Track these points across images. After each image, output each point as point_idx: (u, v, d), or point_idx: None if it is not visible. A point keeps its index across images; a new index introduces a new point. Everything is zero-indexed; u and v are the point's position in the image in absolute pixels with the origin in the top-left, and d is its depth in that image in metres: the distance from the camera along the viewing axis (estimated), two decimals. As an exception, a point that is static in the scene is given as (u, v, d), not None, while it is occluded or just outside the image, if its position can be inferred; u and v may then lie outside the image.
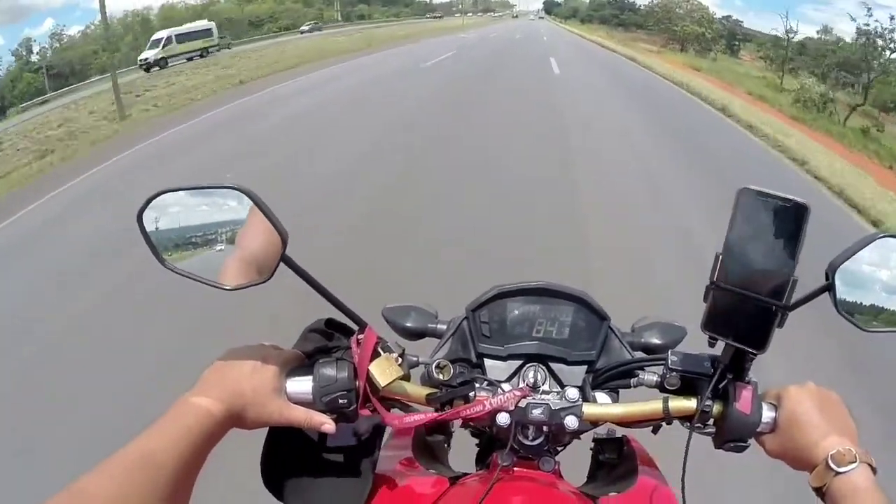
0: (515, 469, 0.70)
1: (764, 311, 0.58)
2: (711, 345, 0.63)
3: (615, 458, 0.83)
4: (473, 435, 0.81)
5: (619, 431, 0.81)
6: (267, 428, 0.66)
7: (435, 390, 0.65)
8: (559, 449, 0.76)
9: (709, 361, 0.65)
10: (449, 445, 0.87)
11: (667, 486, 0.75)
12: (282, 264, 0.60)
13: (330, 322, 0.68)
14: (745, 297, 0.58)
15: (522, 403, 0.65)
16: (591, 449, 0.90)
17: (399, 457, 0.75)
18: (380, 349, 0.64)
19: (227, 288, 0.61)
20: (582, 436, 0.77)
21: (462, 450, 0.86)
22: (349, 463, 0.68)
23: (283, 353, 0.65)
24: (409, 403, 0.67)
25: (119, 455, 0.49)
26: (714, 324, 0.61)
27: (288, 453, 0.67)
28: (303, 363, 0.66)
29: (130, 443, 0.51)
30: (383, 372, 0.62)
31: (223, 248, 0.62)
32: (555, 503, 0.63)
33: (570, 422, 0.65)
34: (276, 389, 0.62)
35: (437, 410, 0.65)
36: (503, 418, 0.64)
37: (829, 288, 0.62)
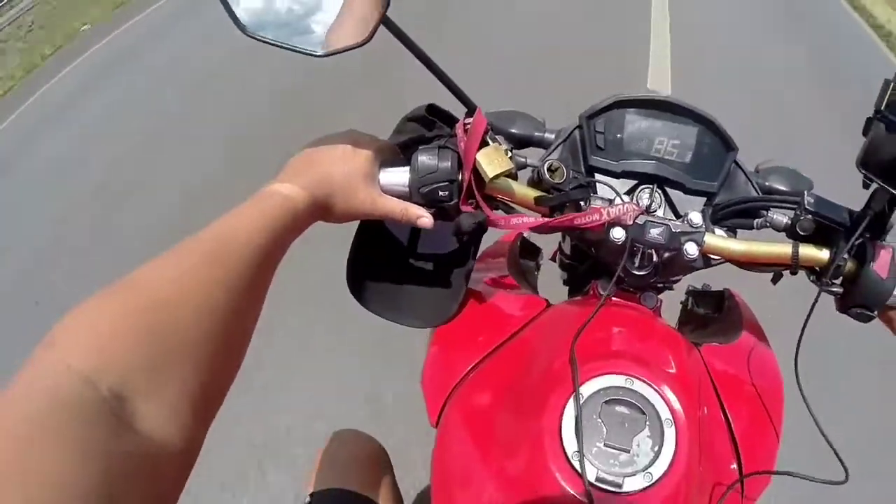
0: (616, 299, 0.64)
1: None
2: (866, 186, 0.53)
3: (712, 313, 0.77)
4: (563, 266, 0.75)
5: (721, 285, 0.74)
6: (357, 226, 0.61)
7: (545, 193, 0.58)
8: (661, 288, 0.69)
9: (847, 213, 0.56)
10: (538, 273, 0.81)
11: (769, 348, 0.69)
12: (382, 27, 0.51)
13: (432, 108, 0.60)
14: None
15: (641, 220, 0.57)
16: (681, 302, 0.84)
17: (493, 273, 0.70)
18: (489, 139, 0.56)
19: (318, 54, 0.53)
20: (675, 287, 0.71)
21: (547, 286, 0.80)
22: (441, 271, 0.63)
23: (378, 142, 0.58)
24: (515, 205, 0.60)
25: (193, 239, 0.42)
26: (872, 162, 0.50)
27: (376, 256, 0.63)
28: (399, 155, 0.59)
29: (207, 227, 0.44)
30: (491, 162, 0.54)
31: (314, 8, 0.54)
32: (661, 339, 0.57)
33: (690, 249, 0.57)
34: (369, 177, 0.55)
35: (545, 216, 0.58)
36: (618, 233, 0.56)
37: None
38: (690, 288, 0.82)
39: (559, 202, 0.57)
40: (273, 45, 0.55)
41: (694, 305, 0.81)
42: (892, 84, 0.48)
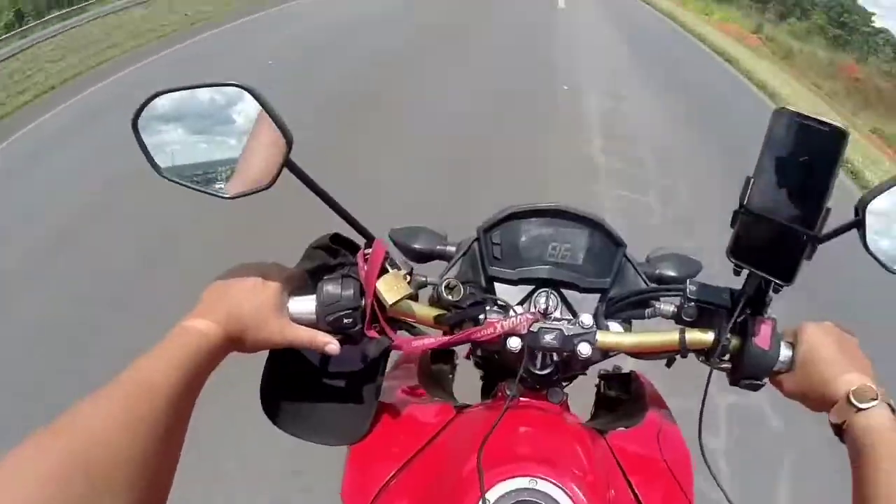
0: (522, 399, 0.68)
1: (793, 239, 0.55)
2: (737, 273, 0.60)
3: (622, 395, 0.82)
4: (478, 366, 0.79)
5: (627, 367, 0.80)
6: (268, 351, 0.64)
7: (444, 311, 0.63)
8: (566, 382, 0.74)
9: (728, 294, 0.62)
10: (453, 376, 0.85)
11: (674, 424, 0.74)
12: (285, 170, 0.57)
13: (335, 238, 0.65)
14: (774, 224, 0.55)
15: (535, 328, 0.62)
16: (595, 385, 0.89)
17: (404, 384, 0.74)
18: (388, 265, 0.61)
19: (227, 196, 0.58)
20: (588, 372, 0.76)
21: (465, 382, 0.84)
22: (352, 389, 0.66)
23: (285, 272, 0.62)
24: (417, 325, 0.64)
25: (116, 381, 0.47)
26: (740, 251, 0.58)
27: (288, 378, 0.65)
28: (306, 282, 0.63)
29: (127, 369, 0.49)
30: (391, 289, 0.59)
31: (224, 153, 0.59)
32: (565, 435, 0.61)
33: (584, 349, 0.62)
34: (278, 309, 0.59)
35: (445, 333, 0.63)
36: (514, 343, 0.61)
37: (860, 224, 0.59)
38: (601, 371, 0.87)
39: (457, 320, 0.62)
40: (186, 187, 0.59)
41: (606, 389, 0.86)
42: (752, 181, 0.56)
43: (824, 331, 0.61)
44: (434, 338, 0.61)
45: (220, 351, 0.55)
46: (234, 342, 0.57)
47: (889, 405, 0.55)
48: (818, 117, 0.53)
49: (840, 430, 0.56)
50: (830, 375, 0.58)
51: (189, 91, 0.59)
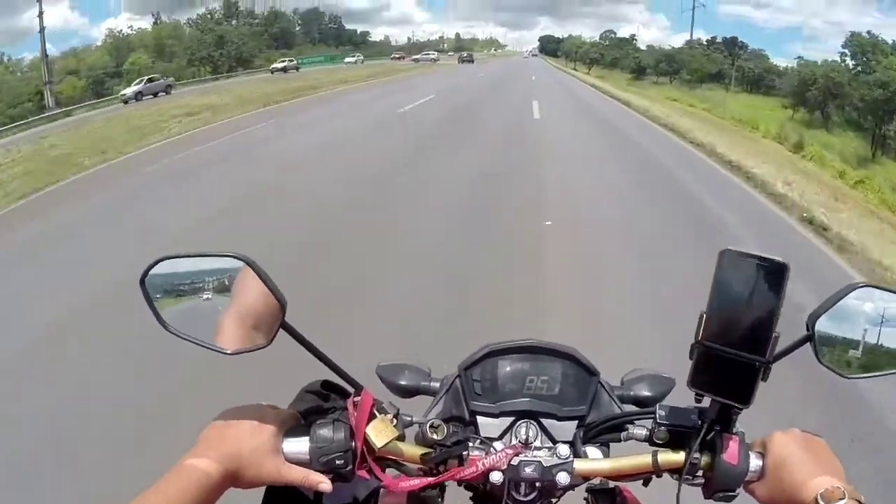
0: None
1: (748, 366, 0.60)
2: (698, 401, 0.65)
3: None
4: (468, 489, 0.81)
5: (612, 482, 0.82)
6: (264, 487, 0.67)
7: (429, 450, 0.67)
8: (552, 502, 0.76)
9: (696, 414, 0.67)
10: (443, 500, 0.87)
11: None
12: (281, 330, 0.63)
13: (326, 383, 0.70)
14: (729, 354, 0.60)
15: (515, 461, 0.66)
16: (584, 499, 0.91)
17: None
18: (375, 411, 0.65)
19: (228, 352, 0.63)
20: (575, 488, 0.78)
21: (456, 502, 0.86)
22: None
23: (281, 414, 0.66)
24: (405, 463, 0.68)
25: None
26: (700, 381, 0.63)
27: None
28: (299, 423, 0.67)
29: (132, 502, 0.53)
30: (379, 433, 0.63)
31: (224, 313, 0.64)
32: None
33: (562, 478, 0.66)
34: (274, 450, 0.63)
35: (431, 470, 0.66)
36: (496, 477, 0.65)
37: (811, 338, 0.64)
38: (589, 486, 0.89)
39: (442, 458, 0.66)
40: (189, 341, 0.65)
41: (593, 502, 0.87)
42: (705, 317, 0.62)
43: (791, 438, 0.65)
44: (420, 479, 0.65)
45: (219, 487, 0.59)
46: (233, 479, 0.61)
47: (858, 501, 0.57)
48: (760, 255, 0.60)
49: None
50: (800, 480, 0.60)
51: (191, 258, 0.66)
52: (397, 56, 54.97)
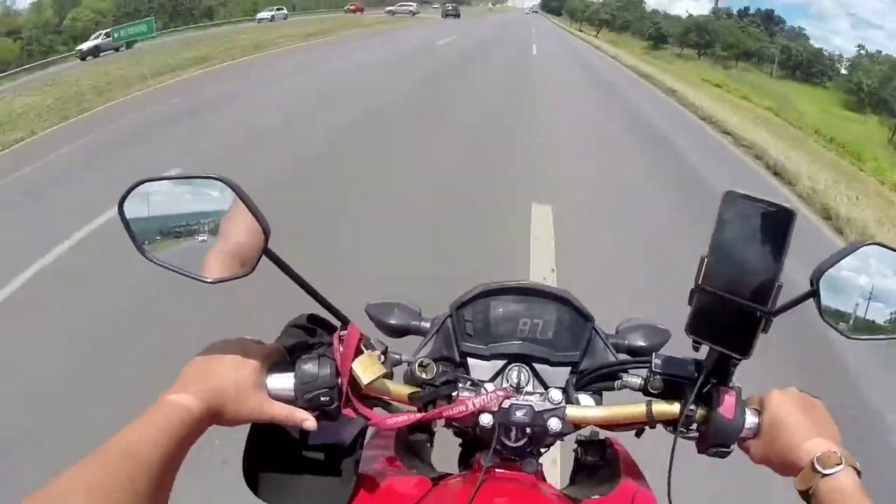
0: (498, 471, 0.69)
1: (748, 316, 0.58)
2: (696, 349, 0.63)
3: (598, 461, 0.83)
4: (456, 434, 0.80)
5: (603, 434, 0.81)
6: (249, 425, 0.65)
7: (417, 389, 0.65)
8: (542, 451, 0.75)
9: (693, 365, 0.65)
10: (432, 445, 0.86)
11: (649, 490, 0.75)
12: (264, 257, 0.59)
13: (312, 317, 0.67)
14: (729, 302, 0.58)
15: (506, 404, 0.64)
16: (573, 451, 0.90)
17: (381, 456, 0.75)
18: (363, 346, 0.63)
19: (209, 281, 0.60)
20: (565, 437, 0.77)
21: (445, 448, 0.85)
22: (331, 462, 0.67)
23: (265, 348, 0.64)
24: (392, 402, 0.66)
25: (99, 452, 0.49)
26: (698, 328, 0.61)
27: (269, 450, 0.67)
28: (284, 359, 0.65)
29: (110, 440, 0.50)
30: (366, 370, 0.61)
31: (205, 239, 0.61)
32: None
33: (554, 424, 0.64)
34: (257, 385, 0.61)
35: (419, 410, 0.64)
36: (486, 419, 0.63)
37: (814, 294, 0.62)
38: (578, 437, 0.88)
39: (430, 398, 0.64)
40: (168, 268, 0.61)
41: (583, 454, 0.87)
42: (706, 261, 0.59)
43: (789, 397, 0.64)
44: (407, 415, 0.63)
45: (200, 424, 0.57)
46: (215, 416, 0.58)
47: (854, 468, 0.56)
48: (766, 199, 0.57)
49: (807, 496, 0.57)
50: (795, 442, 0.60)
51: (172, 180, 0.62)
52: (353, 7, 45.95)
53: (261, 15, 36.03)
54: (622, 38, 39.36)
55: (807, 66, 30.38)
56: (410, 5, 47.32)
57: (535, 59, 18.86)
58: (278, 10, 37.41)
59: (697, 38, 34.51)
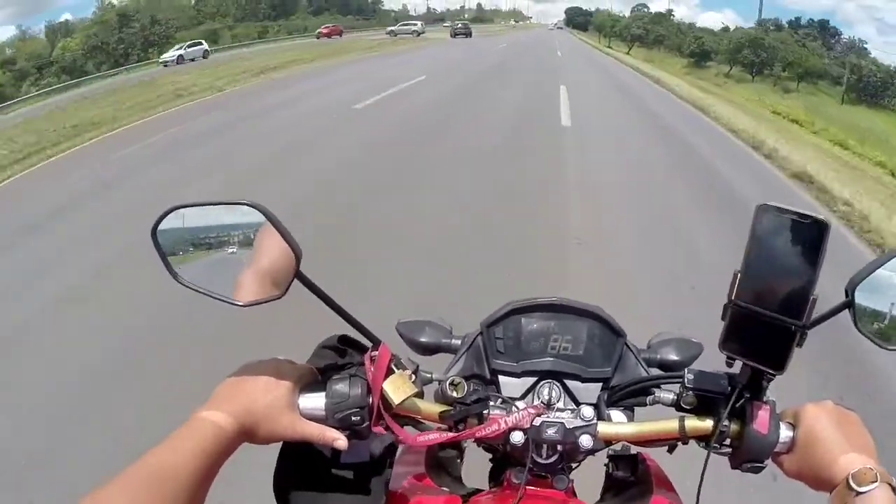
0: (529, 488, 0.69)
1: (783, 330, 0.57)
2: (729, 364, 0.62)
3: (629, 476, 0.82)
4: (487, 450, 0.80)
5: (634, 448, 0.81)
6: (280, 442, 0.66)
7: (448, 408, 0.65)
8: (573, 466, 0.75)
9: (726, 380, 0.64)
10: (462, 461, 0.86)
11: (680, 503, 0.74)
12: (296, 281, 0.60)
13: (343, 338, 0.68)
14: (763, 316, 0.57)
15: (537, 422, 0.64)
16: (605, 465, 0.89)
17: (411, 473, 0.75)
18: (393, 366, 0.63)
19: (241, 304, 0.61)
20: (597, 453, 0.77)
21: (476, 464, 0.85)
22: (361, 480, 0.68)
23: (297, 369, 0.65)
24: (423, 421, 0.66)
25: (133, 469, 0.50)
26: (732, 343, 0.60)
27: (300, 469, 0.67)
28: (316, 379, 0.65)
29: (144, 456, 0.52)
30: (397, 389, 0.61)
31: (236, 264, 0.62)
32: None
33: (585, 441, 0.64)
34: (289, 405, 0.62)
35: (450, 428, 0.65)
36: (517, 437, 0.63)
37: (850, 305, 0.61)
38: (610, 452, 0.88)
39: (461, 416, 0.64)
40: (202, 293, 0.63)
41: (614, 469, 0.86)
42: (739, 275, 0.58)
43: (824, 411, 0.62)
44: (439, 433, 0.63)
45: (233, 442, 0.58)
46: (247, 434, 0.60)
47: (890, 485, 0.55)
48: (799, 210, 0.56)
49: None
50: (830, 458, 0.58)
51: (204, 206, 0.63)
52: (326, 31, 36.34)
53: (166, 56, 27.44)
54: (656, 53, 35.35)
55: (881, 87, 24.59)
56: (415, 24, 43.21)
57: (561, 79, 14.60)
58: (192, 45, 28.30)
59: (753, 55, 28.19)
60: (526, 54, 24.64)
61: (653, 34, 37.31)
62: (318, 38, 34.66)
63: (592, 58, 27.23)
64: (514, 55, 23.91)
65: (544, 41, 36.62)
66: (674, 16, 39.68)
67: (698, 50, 31.41)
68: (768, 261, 0.57)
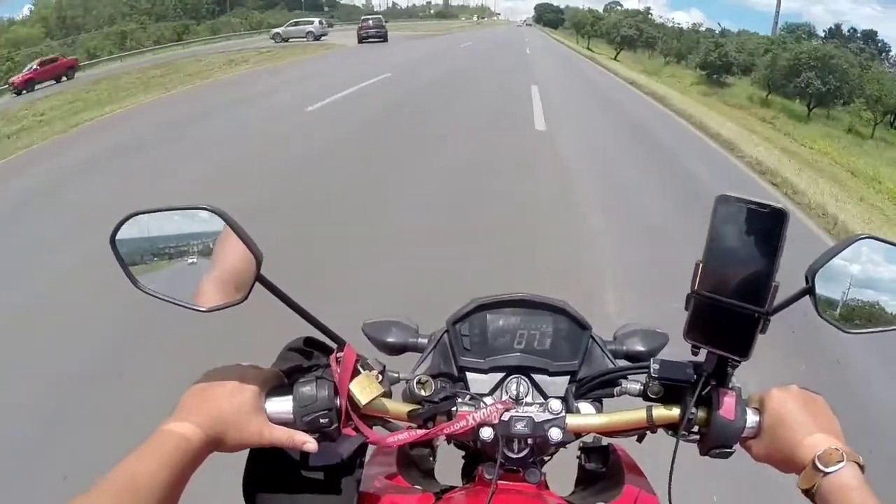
0: (501, 482, 0.69)
1: (746, 317, 0.58)
2: (695, 353, 0.63)
3: (601, 467, 0.83)
4: (458, 447, 0.80)
5: (605, 440, 0.81)
6: (248, 450, 0.66)
7: (417, 407, 0.65)
8: (545, 459, 0.75)
9: (692, 368, 0.65)
10: (434, 458, 0.86)
11: (653, 493, 0.75)
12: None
13: (309, 340, 0.67)
14: (726, 305, 0.58)
15: (506, 417, 0.64)
16: (577, 457, 0.90)
17: (383, 473, 0.75)
18: (360, 367, 0.63)
19: (202, 309, 0.60)
20: (568, 445, 0.77)
21: (448, 461, 0.85)
22: (332, 482, 0.67)
23: (262, 373, 0.64)
24: (392, 420, 0.66)
25: (102, 485, 0.49)
26: (696, 332, 0.61)
27: (270, 472, 0.67)
28: (282, 382, 0.65)
29: (112, 471, 0.51)
30: (364, 390, 0.61)
31: (197, 269, 0.61)
32: None
33: (554, 434, 0.65)
34: (256, 410, 0.61)
35: (419, 427, 0.65)
36: (487, 433, 0.64)
37: (810, 291, 0.62)
38: (581, 444, 0.88)
39: (429, 415, 0.64)
40: (163, 300, 0.62)
41: (586, 460, 0.87)
42: (701, 265, 0.59)
43: (789, 395, 0.63)
44: (408, 432, 0.63)
45: (201, 452, 0.57)
46: (215, 443, 0.59)
47: (857, 463, 0.56)
48: (758, 200, 0.57)
49: (810, 495, 0.57)
50: (796, 440, 0.59)
51: (163, 212, 0.62)
52: (17, 81, 18.76)
53: None
54: (648, 60, 28.67)
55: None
56: (310, 24, 30.54)
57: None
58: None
59: (820, 81, 18.84)
60: (476, 65, 17.37)
61: (645, 35, 30.64)
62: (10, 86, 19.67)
63: (575, 66, 21.62)
64: (478, 55, 19.84)
65: (508, 44, 29.32)
66: (651, 14, 35.21)
67: (720, 61, 22.37)
68: (729, 250, 0.58)
